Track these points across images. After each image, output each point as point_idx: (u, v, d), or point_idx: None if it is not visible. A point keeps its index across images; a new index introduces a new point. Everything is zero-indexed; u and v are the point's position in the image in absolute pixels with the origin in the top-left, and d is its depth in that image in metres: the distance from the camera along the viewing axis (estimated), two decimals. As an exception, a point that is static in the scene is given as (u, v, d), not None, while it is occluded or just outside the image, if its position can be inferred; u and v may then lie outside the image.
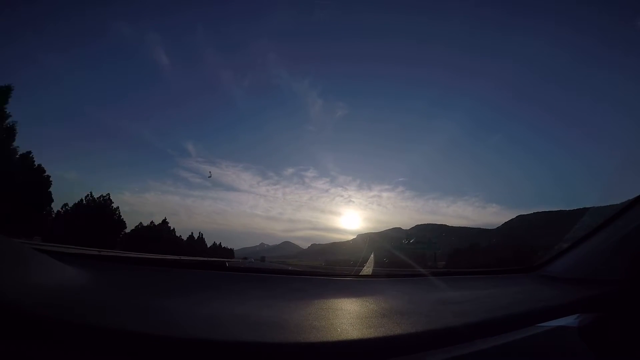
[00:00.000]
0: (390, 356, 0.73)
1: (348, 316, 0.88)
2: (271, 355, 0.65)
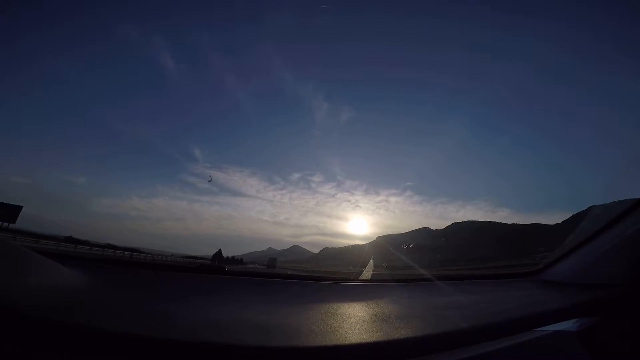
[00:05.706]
0: None
1: (347, 320, 0.88)
2: (269, 358, 0.65)
